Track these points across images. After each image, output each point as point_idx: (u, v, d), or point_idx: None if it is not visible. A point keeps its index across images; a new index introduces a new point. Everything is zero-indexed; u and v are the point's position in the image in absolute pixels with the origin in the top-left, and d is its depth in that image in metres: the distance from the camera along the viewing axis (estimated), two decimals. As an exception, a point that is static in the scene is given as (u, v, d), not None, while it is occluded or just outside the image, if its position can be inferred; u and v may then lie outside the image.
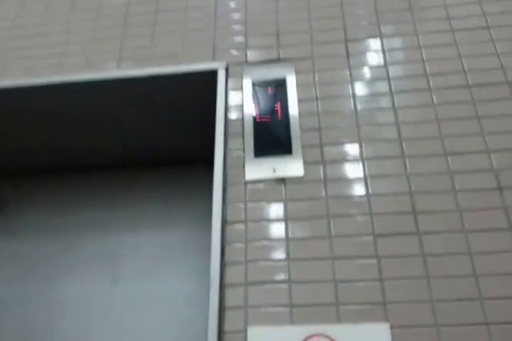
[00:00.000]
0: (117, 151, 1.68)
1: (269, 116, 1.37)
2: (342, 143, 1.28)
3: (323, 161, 1.27)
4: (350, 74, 1.39)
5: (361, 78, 1.38)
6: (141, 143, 1.69)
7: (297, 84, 1.40)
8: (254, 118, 1.37)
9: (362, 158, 1.25)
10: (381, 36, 1.46)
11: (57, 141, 1.68)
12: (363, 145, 1.26)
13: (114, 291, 1.52)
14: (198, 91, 1.51)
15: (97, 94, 1.52)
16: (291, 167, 1.29)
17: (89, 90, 1.49)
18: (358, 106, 1.32)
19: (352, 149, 1.27)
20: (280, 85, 1.42)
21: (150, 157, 1.72)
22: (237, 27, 1.57)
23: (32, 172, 1.74)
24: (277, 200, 1.22)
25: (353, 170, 1.24)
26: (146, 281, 1.53)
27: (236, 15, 1.61)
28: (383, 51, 1.44)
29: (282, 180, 1.26)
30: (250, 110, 1.39)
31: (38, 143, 1.68)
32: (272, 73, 1.45)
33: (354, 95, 1.34)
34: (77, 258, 1.57)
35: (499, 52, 1.36)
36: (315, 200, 1.21)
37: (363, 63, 1.40)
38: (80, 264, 1.57)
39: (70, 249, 1.58)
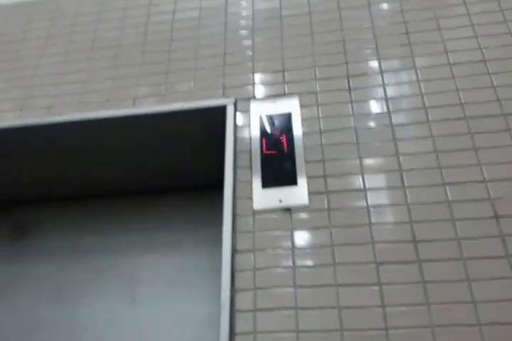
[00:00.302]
0: (133, 179, 1.79)
1: (275, 149, 1.44)
2: (345, 174, 1.35)
3: (327, 191, 1.33)
4: (352, 108, 1.46)
5: (362, 111, 1.44)
6: (156, 171, 1.79)
7: (302, 118, 1.47)
8: (262, 151, 1.44)
9: (364, 188, 1.31)
10: (381, 71, 1.55)
11: (78, 172, 1.79)
12: (365, 176, 1.32)
13: (132, 311, 1.61)
14: (209, 125, 1.60)
15: (115, 130, 1.63)
16: (297, 197, 1.35)
17: (108, 126, 1.60)
18: (360, 139, 1.39)
19: (354, 180, 1.33)
20: (286, 119, 1.50)
21: (164, 184, 1.82)
22: (245, 64, 1.66)
23: (53, 200, 1.87)
24: (284, 229, 1.29)
25: (356, 200, 1.29)
26: (162, 302, 1.62)
27: (244, 53, 1.70)
28: (383, 85, 1.52)
29: (288, 210, 1.32)
30: (258, 143, 1.46)
31: (59, 175, 1.80)
32: (278, 108, 1.53)
33: (356, 128, 1.42)
34: (98, 279, 1.66)
35: (495, 85, 1.43)
36: (320, 229, 1.27)
37: (365, 97, 1.47)
38: (101, 285, 1.66)
39: (90, 271, 1.69)
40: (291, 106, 1.52)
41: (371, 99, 1.47)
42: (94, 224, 1.76)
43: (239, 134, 1.48)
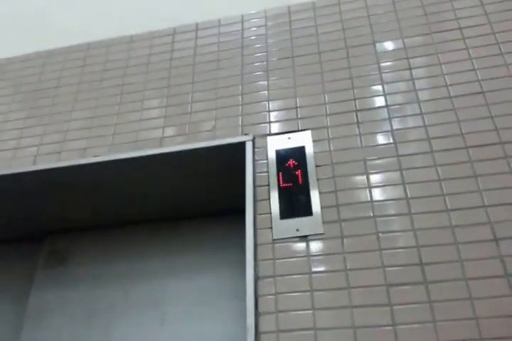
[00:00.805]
0: (160, 208, 1.94)
1: (291, 182, 1.54)
2: (356, 204, 1.44)
3: (340, 220, 1.42)
4: (361, 141, 1.56)
5: (370, 143, 1.53)
6: (182, 201, 1.91)
7: (315, 151, 1.57)
8: (279, 184, 1.54)
9: (374, 216, 1.41)
10: (387, 105, 1.68)
11: (110, 204, 1.94)
12: (374, 205, 1.44)
13: (162, 333, 1.71)
14: (230, 161, 1.68)
15: (144, 168, 1.78)
16: (313, 226, 1.44)
17: (138, 165, 1.74)
18: (369, 169, 1.50)
19: (365, 209, 1.42)
20: (300, 153, 1.60)
21: (189, 212, 1.96)
22: (261, 103, 1.74)
23: (87, 229, 1.99)
24: (301, 256, 1.38)
25: (366, 227, 1.38)
26: (189, 323, 1.71)
27: (260, 93, 1.83)
28: (389, 119, 1.66)
29: (305, 238, 1.42)
30: (275, 177, 1.57)
31: (92, 207, 1.97)
32: (293, 142, 1.63)
33: (365, 159, 1.53)
34: (129, 303, 1.76)
35: (493, 115, 1.56)
36: (334, 255, 1.36)
37: (372, 130, 1.57)
38: (131, 309, 1.76)
39: (121, 295, 1.79)
40: (304, 140, 1.62)
41: (378, 131, 1.56)
42: (123, 251, 1.89)
43: (257, 169, 1.58)
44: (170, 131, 1.78)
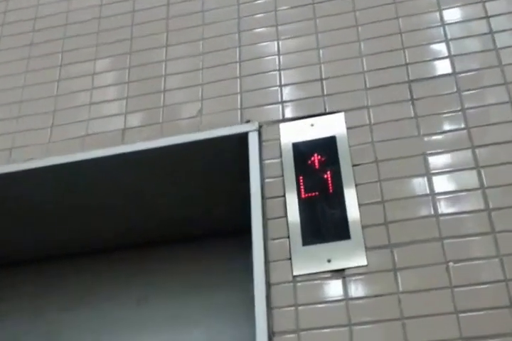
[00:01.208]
0: (120, 232, 2.09)
1: (317, 190, 1.56)
2: (414, 220, 1.46)
3: (391, 245, 1.44)
4: (418, 126, 1.59)
5: (432, 130, 1.60)
6: (152, 222, 2.04)
7: (350, 144, 1.60)
8: (299, 194, 1.56)
9: (441, 238, 1.42)
10: (455, 73, 1.68)
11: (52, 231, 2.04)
12: (441, 221, 1.44)
13: None
14: (226, 161, 1.76)
15: (102, 172, 1.84)
16: (351, 255, 1.45)
17: (92, 170, 1.82)
18: (432, 169, 1.52)
19: (427, 227, 1.43)
20: (329, 146, 1.62)
21: (163, 236, 2.09)
22: (268, 75, 1.78)
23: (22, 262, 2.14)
24: (337, 300, 1.40)
25: (431, 255, 1.39)
26: None
27: (267, 58, 1.84)
28: (458, 93, 1.65)
29: (341, 273, 1.43)
30: (293, 183, 1.58)
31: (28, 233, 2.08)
32: (318, 131, 1.66)
33: (425, 155, 1.54)
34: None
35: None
36: (385, 297, 1.37)
37: (434, 110, 1.62)
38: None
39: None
40: (334, 127, 1.65)
41: (443, 112, 1.59)
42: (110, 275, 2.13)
43: (267, 172, 1.60)
44: (134, 120, 1.80)
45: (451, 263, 1.38)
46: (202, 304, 1.96)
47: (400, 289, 1.38)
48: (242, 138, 1.67)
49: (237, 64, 1.81)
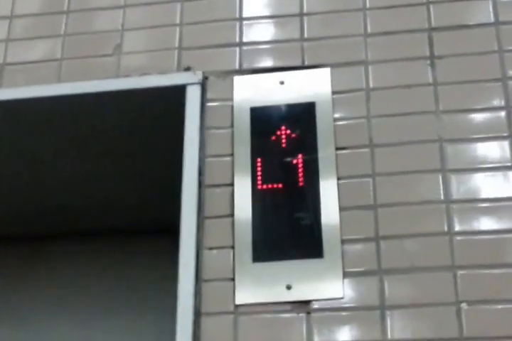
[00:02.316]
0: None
1: (281, 181, 1.52)
2: (418, 236, 1.45)
3: (381, 271, 1.42)
4: (436, 97, 1.60)
5: (454, 106, 1.59)
6: (56, 210, 2.17)
7: (336, 117, 1.59)
8: (254, 184, 1.52)
9: (454, 266, 1.41)
10: (497, 22, 1.67)
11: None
12: (457, 242, 1.44)
13: None
14: (153, 125, 1.74)
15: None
16: (322, 281, 1.42)
17: None
18: (449, 163, 1.52)
19: (438, 249, 1.44)
20: (305, 118, 1.59)
21: (64, 229, 2.19)
22: (222, 1, 1.75)
23: None
24: None
25: (438, 291, 1.39)
26: None
27: None
28: (500, 53, 1.62)
29: (304, 306, 1.41)
30: (246, 167, 1.55)
31: None
32: (289, 93, 1.61)
33: (442, 141, 1.53)
34: None
35: None
36: None
37: (460, 77, 1.63)
38: None
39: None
40: (315, 90, 1.61)
41: (473, 80, 1.59)
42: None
43: (209, 147, 1.60)
44: (19, 53, 1.83)
45: (463, 305, 1.37)
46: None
47: (389, 337, 1.36)
48: (177, 94, 1.64)
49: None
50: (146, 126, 1.74)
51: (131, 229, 2.16)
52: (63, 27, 1.85)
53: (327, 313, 1.40)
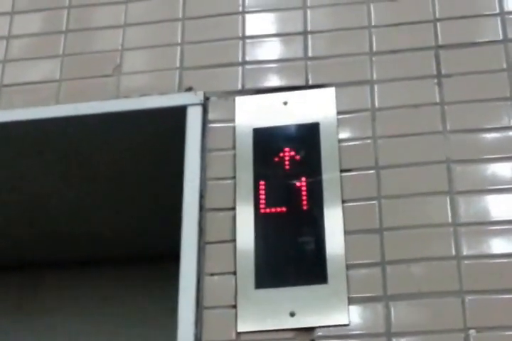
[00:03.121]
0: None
1: (284, 204, 1.51)
2: (425, 260, 1.44)
3: (387, 297, 1.41)
4: (444, 117, 1.59)
5: (461, 126, 1.60)
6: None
7: (340, 138, 1.59)
8: (257, 208, 1.51)
9: (462, 291, 1.40)
10: (505, 39, 1.64)
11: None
12: (464, 266, 1.43)
13: None
14: (153, 147, 1.73)
15: None
16: (326, 308, 1.41)
17: None
18: (458, 185, 1.51)
19: (445, 272, 1.43)
20: (308, 139, 1.59)
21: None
22: (224, 19, 1.77)
23: None
24: None
25: (446, 316, 1.39)
26: None
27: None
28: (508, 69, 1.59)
29: (309, 333, 1.40)
30: (248, 190, 1.54)
31: None
32: (293, 114, 1.61)
33: (450, 162, 1.52)
34: None
35: None
36: None
37: (470, 96, 1.62)
38: None
39: None
40: (319, 110, 1.61)
41: (482, 96, 1.60)
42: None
43: (211, 170, 1.59)
44: (15, 74, 1.84)
45: (472, 331, 1.36)
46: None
47: None
48: (178, 115, 1.64)
49: (180, 6, 1.80)
50: (146, 148, 1.73)
51: (132, 256, 2.17)
52: (62, 47, 1.85)
53: (332, 340, 1.39)
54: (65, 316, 2.28)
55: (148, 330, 2.12)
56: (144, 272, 2.21)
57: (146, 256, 2.16)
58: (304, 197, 1.52)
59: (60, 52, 1.85)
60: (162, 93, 1.69)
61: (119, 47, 1.79)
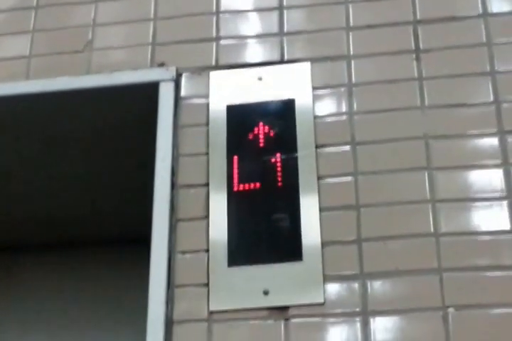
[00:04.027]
0: None
1: (258, 180, 1.50)
2: (402, 238, 1.43)
3: (363, 275, 1.40)
4: (422, 93, 1.58)
5: (441, 101, 1.58)
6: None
7: (316, 114, 1.58)
8: (230, 185, 1.50)
9: (440, 269, 1.39)
10: (485, 14, 1.65)
11: None
12: (442, 242, 1.42)
13: None
14: (124, 124, 1.72)
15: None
16: (301, 286, 1.40)
17: None
18: (434, 161, 1.49)
19: (422, 251, 1.41)
20: (283, 115, 1.57)
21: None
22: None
23: None
24: None
25: (424, 294, 1.37)
26: None
27: None
28: (488, 46, 1.59)
29: (282, 312, 1.38)
30: (222, 166, 1.53)
31: None
32: (268, 89, 1.60)
33: (427, 138, 1.51)
34: None
35: None
36: None
37: (449, 70, 1.61)
38: None
39: None
40: (294, 86, 1.60)
41: (461, 70, 1.58)
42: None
43: (183, 146, 1.59)
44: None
45: (450, 310, 1.35)
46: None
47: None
48: (150, 91, 1.63)
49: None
50: (118, 124, 1.73)
51: (105, 238, 2.18)
52: (32, 23, 1.85)
53: (306, 319, 1.38)
54: (39, 299, 2.29)
55: (124, 314, 2.17)
56: (118, 254, 2.24)
57: (122, 236, 2.18)
58: (279, 174, 1.51)
59: (31, 27, 1.84)
60: (134, 69, 1.69)
61: (91, 23, 1.78)
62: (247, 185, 1.51)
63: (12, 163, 1.95)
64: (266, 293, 1.40)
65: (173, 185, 1.54)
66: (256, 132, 1.56)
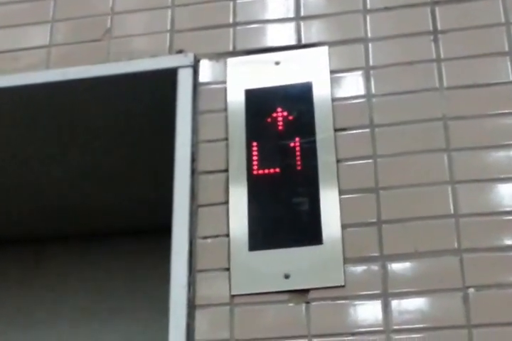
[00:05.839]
0: None
1: (278, 166, 1.50)
2: (423, 219, 1.43)
3: (383, 257, 1.40)
4: (440, 75, 1.57)
5: (459, 82, 1.56)
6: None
7: (334, 97, 1.57)
8: (250, 170, 1.51)
9: (460, 249, 1.39)
10: None
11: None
12: (462, 223, 1.42)
13: None
14: (143, 112, 1.72)
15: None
16: (322, 269, 1.41)
17: None
18: (453, 142, 1.49)
19: (444, 233, 1.41)
20: (301, 99, 1.57)
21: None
22: None
23: None
24: (295, 336, 1.37)
25: (445, 275, 1.37)
26: None
27: None
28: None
29: (303, 295, 1.39)
30: (241, 151, 1.54)
31: None
32: (285, 74, 1.60)
33: (446, 119, 1.51)
34: None
35: None
36: (368, 336, 1.35)
37: (463, 50, 1.59)
38: None
39: None
40: (312, 70, 1.59)
41: (480, 51, 1.57)
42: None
43: (202, 132, 1.59)
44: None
45: (471, 290, 1.36)
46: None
47: (393, 326, 1.34)
48: (169, 77, 1.63)
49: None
50: (138, 112, 1.73)
51: (129, 227, 2.21)
52: (51, 13, 1.85)
53: (327, 302, 1.39)
54: (66, 290, 2.34)
55: (147, 299, 2.21)
56: (142, 244, 2.30)
57: (146, 225, 2.20)
58: (298, 158, 1.51)
59: (50, 17, 1.84)
60: (153, 56, 1.69)
61: (109, 11, 1.79)
62: (266, 170, 1.51)
63: (34, 152, 1.96)
64: (287, 276, 1.41)
65: (193, 171, 1.55)
66: (274, 116, 1.56)
